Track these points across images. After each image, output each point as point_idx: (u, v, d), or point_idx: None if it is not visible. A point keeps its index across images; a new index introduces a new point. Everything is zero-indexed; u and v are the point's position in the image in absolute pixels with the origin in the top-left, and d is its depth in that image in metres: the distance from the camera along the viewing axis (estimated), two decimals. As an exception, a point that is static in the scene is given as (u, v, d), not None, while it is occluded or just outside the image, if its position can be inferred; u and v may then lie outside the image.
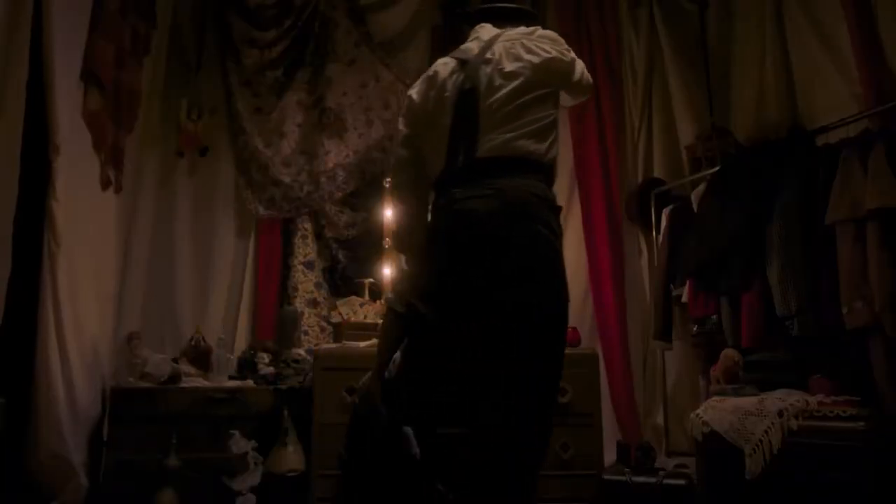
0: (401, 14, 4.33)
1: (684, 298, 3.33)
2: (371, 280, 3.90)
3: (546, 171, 1.92)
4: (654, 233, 3.80)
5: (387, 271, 3.90)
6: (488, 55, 1.95)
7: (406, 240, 2.03)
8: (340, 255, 4.12)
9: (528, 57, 1.92)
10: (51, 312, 2.80)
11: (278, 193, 4.02)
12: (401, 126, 2.03)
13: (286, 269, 4.06)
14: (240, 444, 3.10)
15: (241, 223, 4.07)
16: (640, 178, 4.03)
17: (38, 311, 2.79)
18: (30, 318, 2.77)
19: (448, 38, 4.34)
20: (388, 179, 2.07)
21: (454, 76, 1.96)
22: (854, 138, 2.73)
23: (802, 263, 2.74)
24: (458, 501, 2.28)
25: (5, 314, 2.50)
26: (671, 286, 3.47)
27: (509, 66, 1.91)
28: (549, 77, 1.94)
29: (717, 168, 3.31)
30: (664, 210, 3.65)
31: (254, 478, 3.09)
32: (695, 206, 3.38)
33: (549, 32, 2.02)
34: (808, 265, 2.73)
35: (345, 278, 4.07)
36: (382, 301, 3.66)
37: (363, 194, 4.16)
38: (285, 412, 3.22)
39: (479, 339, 1.80)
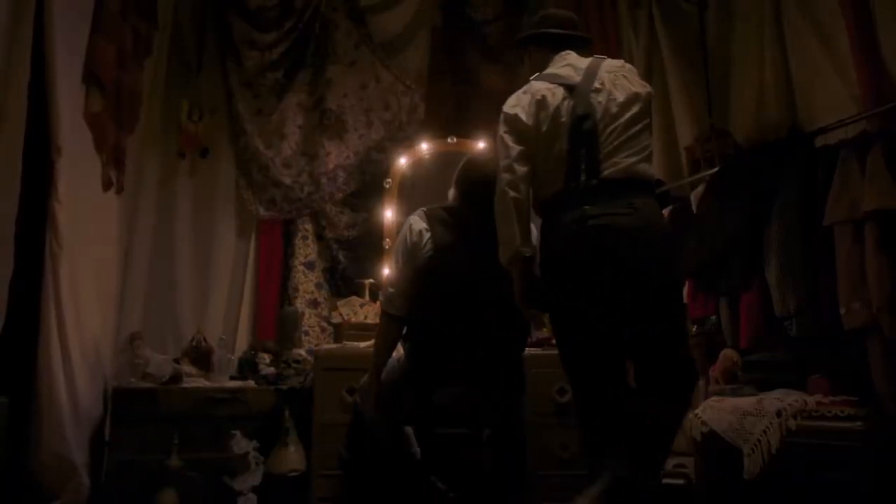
0: (401, 15, 4.34)
1: (684, 299, 3.33)
2: (371, 280, 3.91)
3: (654, 193, 2.10)
4: (653, 233, 3.79)
5: (387, 272, 3.90)
6: (597, 84, 2.07)
7: (522, 251, 2.01)
8: (341, 256, 4.13)
9: (635, 89, 2.09)
10: (53, 313, 2.80)
11: (279, 194, 4.03)
12: (509, 143, 2.06)
13: (287, 269, 4.07)
14: (241, 444, 3.11)
15: (242, 224, 4.08)
16: (639, 179, 4.03)
17: (39, 311, 2.79)
18: (32, 319, 2.77)
19: (448, 38, 4.35)
20: (502, 196, 2.07)
21: (565, 102, 2.06)
22: (852, 139, 2.72)
23: (801, 264, 2.75)
24: (458, 501, 2.30)
25: (7, 315, 2.50)
26: (671, 286, 3.47)
27: (621, 97, 2.06)
28: (649, 108, 2.12)
29: (716, 169, 3.31)
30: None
31: (255, 478, 3.10)
32: (694, 207, 3.38)
33: (630, 66, 2.22)
34: (807, 266, 2.73)
35: (345, 279, 4.08)
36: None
37: (363, 195, 4.17)
38: (286, 412, 3.23)
39: (592, 349, 1.97)
